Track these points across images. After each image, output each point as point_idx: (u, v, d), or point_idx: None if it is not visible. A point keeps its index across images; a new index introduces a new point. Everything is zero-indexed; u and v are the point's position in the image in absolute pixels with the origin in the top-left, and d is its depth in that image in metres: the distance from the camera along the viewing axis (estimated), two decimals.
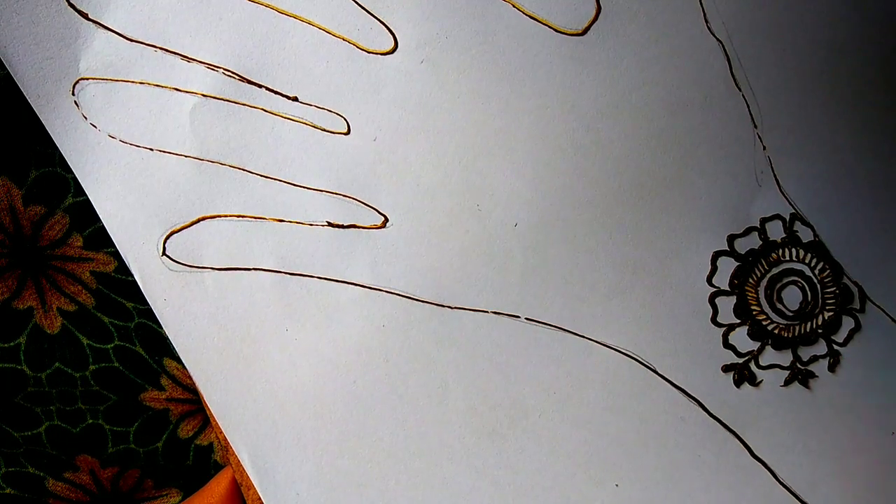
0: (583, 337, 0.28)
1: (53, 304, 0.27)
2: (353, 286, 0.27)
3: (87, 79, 0.25)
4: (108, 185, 0.26)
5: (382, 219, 0.27)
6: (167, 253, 0.26)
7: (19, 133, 0.26)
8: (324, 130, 0.27)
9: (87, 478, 0.28)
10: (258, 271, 0.27)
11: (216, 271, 0.27)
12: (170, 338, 0.27)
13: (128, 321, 0.30)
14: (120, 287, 0.29)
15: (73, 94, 0.25)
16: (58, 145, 0.25)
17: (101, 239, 0.28)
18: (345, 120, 0.27)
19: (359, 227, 0.27)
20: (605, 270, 0.27)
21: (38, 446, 0.28)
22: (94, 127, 0.26)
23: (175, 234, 0.26)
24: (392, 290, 0.27)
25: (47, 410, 0.27)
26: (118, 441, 0.30)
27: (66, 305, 0.28)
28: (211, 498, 0.29)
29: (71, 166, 0.26)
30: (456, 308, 0.28)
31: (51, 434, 0.28)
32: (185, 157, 0.26)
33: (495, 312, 0.28)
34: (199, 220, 0.26)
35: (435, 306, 0.27)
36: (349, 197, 0.27)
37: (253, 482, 0.28)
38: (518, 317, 0.28)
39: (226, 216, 0.27)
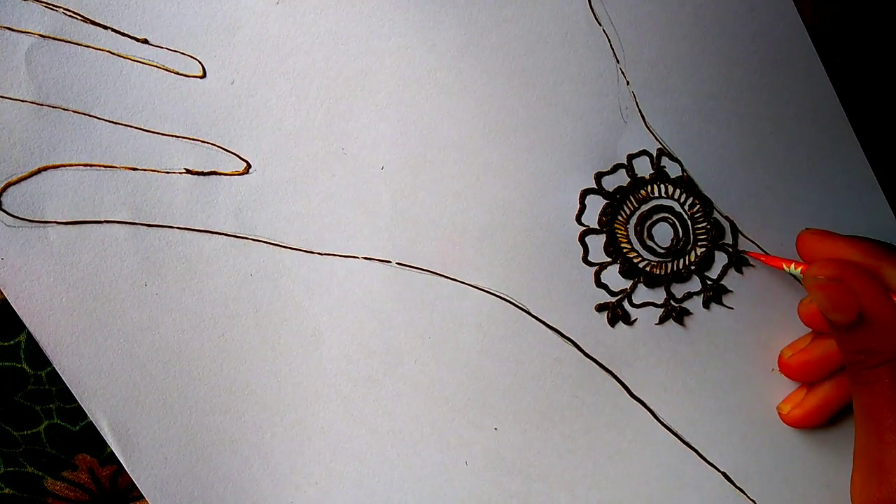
0: (455, 280, 0.27)
1: None
2: (216, 235, 0.26)
3: None
4: None
5: (245, 164, 0.26)
6: (4, 207, 0.25)
7: None
8: (177, 74, 0.25)
9: (86, 476, 0.27)
10: (110, 224, 0.26)
11: (61, 225, 0.25)
12: (9, 300, 0.25)
13: None
14: None
15: None
16: None
17: None
18: (199, 63, 0.26)
19: (220, 174, 0.26)
20: (474, 212, 0.27)
21: (38, 445, 0.27)
22: None
23: (12, 186, 0.25)
24: (258, 238, 0.26)
25: (47, 409, 0.26)
26: None
27: None
28: None
29: None
30: (326, 254, 0.27)
31: (50, 433, 0.27)
32: (22, 101, 0.24)
33: (366, 258, 0.27)
34: (39, 171, 0.25)
35: (304, 253, 0.27)
36: (208, 143, 0.26)
37: (115, 452, 0.26)
38: (389, 262, 0.27)
39: (71, 165, 0.25)
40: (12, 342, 0.26)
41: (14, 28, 0.24)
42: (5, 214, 0.25)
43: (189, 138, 0.26)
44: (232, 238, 0.26)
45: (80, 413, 0.26)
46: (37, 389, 0.26)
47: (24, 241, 0.25)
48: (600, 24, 0.26)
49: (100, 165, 0.25)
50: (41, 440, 0.27)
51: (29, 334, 0.26)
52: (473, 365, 0.27)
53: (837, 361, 0.26)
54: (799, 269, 0.25)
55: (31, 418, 0.26)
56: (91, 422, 0.26)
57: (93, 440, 0.26)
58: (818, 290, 0.23)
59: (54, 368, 0.26)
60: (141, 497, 0.27)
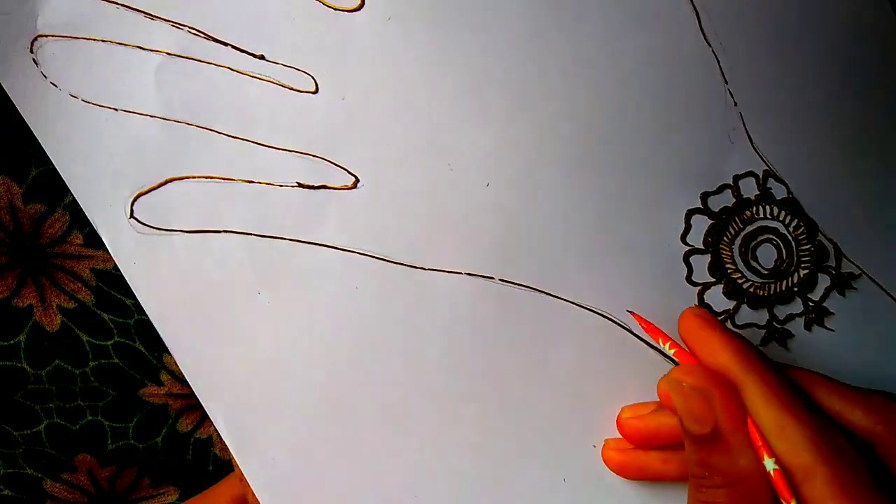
0: (558, 298, 0.27)
1: (53, 302, 0.27)
2: (325, 248, 0.27)
3: (46, 36, 0.25)
4: (72, 147, 0.25)
5: (353, 179, 0.27)
6: (135, 215, 0.26)
7: (19, 131, 0.25)
8: (292, 89, 0.26)
9: (85, 478, 0.28)
10: (228, 234, 0.27)
11: (185, 234, 0.26)
12: (140, 301, 0.26)
13: (127, 318, 0.30)
14: (119, 284, 0.29)
15: (32, 51, 0.25)
16: (17, 106, 0.25)
17: (101, 236, 0.28)
18: (313, 79, 0.26)
19: (329, 188, 0.27)
20: (579, 230, 0.27)
21: (38, 445, 0.27)
22: (55, 86, 0.25)
23: (143, 196, 0.26)
24: (365, 252, 0.27)
25: (47, 408, 0.27)
26: (118, 437, 0.29)
27: (66, 303, 0.28)
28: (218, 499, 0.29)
29: (31, 127, 0.25)
30: (430, 269, 0.27)
31: (50, 432, 0.27)
32: (151, 116, 0.25)
33: (469, 274, 0.27)
34: (166, 182, 0.26)
35: (408, 267, 0.27)
36: (319, 157, 0.27)
37: (229, 447, 0.27)
38: (492, 278, 0.27)
39: (194, 177, 0.26)
40: (12, 342, 0.26)
41: (144, 47, 0.25)
42: (137, 223, 0.26)
43: (301, 152, 0.26)
44: (339, 251, 0.27)
45: (79, 412, 0.27)
46: (37, 389, 0.27)
47: (153, 248, 0.26)
48: (709, 45, 0.26)
49: (220, 178, 0.26)
50: (41, 440, 0.27)
51: (28, 334, 0.26)
52: (574, 382, 0.27)
53: (670, 439, 0.25)
54: (673, 350, 0.24)
55: (30, 417, 0.27)
56: (91, 420, 0.27)
57: (93, 439, 0.27)
58: (678, 395, 0.22)
59: (55, 367, 0.26)
60: (139, 500, 0.27)
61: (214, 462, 0.29)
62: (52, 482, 0.28)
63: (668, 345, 0.25)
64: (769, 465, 0.21)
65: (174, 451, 0.30)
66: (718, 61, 0.26)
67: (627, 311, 0.26)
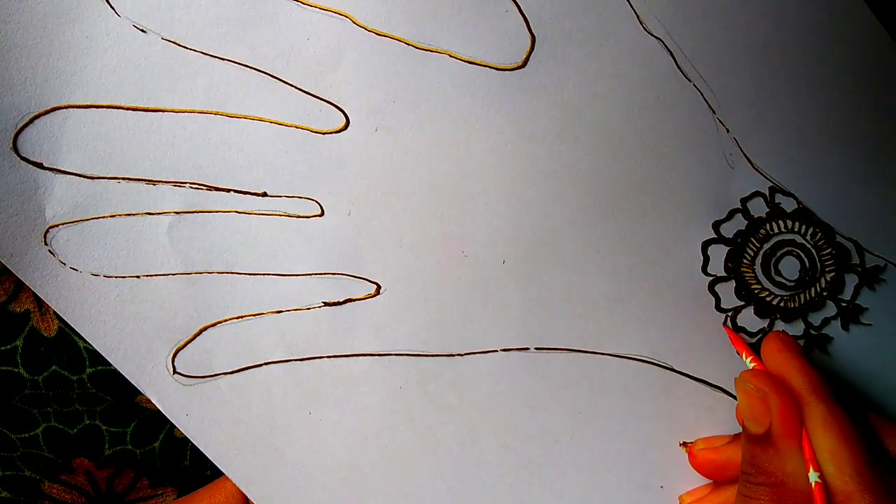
0: (594, 353, 0.28)
1: (50, 307, 0.27)
2: (362, 357, 0.28)
3: (57, 225, 0.26)
4: (103, 322, 0.26)
5: (375, 287, 0.27)
6: (178, 370, 0.27)
7: None
8: (299, 217, 0.27)
9: (83, 479, 0.28)
10: (269, 365, 0.28)
11: (229, 375, 0.27)
12: (201, 449, 0.27)
13: None
14: None
15: (46, 243, 0.26)
16: (42, 297, 0.26)
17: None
18: (316, 202, 0.27)
19: (354, 300, 0.28)
20: (600, 284, 0.28)
21: (35, 449, 0.27)
22: (76, 270, 0.26)
23: (181, 351, 0.27)
24: (400, 352, 0.28)
25: (44, 412, 0.27)
26: (115, 442, 0.30)
27: None
28: (217, 495, 0.29)
29: (60, 313, 0.26)
30: (466, 354, 0.28)
31: (48, 436, 0.27)
32: (173, 275, 0.27)
33: (504, 350, 0.28)
34: (201, 332, 0.27)
35: (445, 357, 0.28)
36: (339, 274, 0.27)
37: None
38: (527, 348, 0.28)
39: (226, 321, 0.27)
40: (9, 347, 0.26)
41: (152, 212, 0.26)
42: (181, 377, 0.27)
43: (321, 273, 0.27)
44: (376, 357, 0.28)
45: (77, 416, 0.27)
46: (34, 394, 0.27)
47: (202, 396, 0.27)
48: (689, 81, 0.26)
49: (250, 315, 0.27)
50: (39, 443, 0.27)
51: (26, 339, 0.26)
52: (628, 430, 0.28)
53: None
54: (753, 364, 0.26)
55: (28, 421, 0.27)
56: (89, 424, 0.27)
57: (91, 443, 0.27)
58: (742, 393, 0.24)
59: (52, 373, 0.27)
60: (138, 500, 0.28)
61: (213, 468, 0.30)
62: (49, 483, 0.28)
63: (749, 359, 0.26)
64: (813, 476, 0.23)
65: (172, 456, 0.30)
66: (701, 93, 0.27)
67: (722, 324, 0.27)
